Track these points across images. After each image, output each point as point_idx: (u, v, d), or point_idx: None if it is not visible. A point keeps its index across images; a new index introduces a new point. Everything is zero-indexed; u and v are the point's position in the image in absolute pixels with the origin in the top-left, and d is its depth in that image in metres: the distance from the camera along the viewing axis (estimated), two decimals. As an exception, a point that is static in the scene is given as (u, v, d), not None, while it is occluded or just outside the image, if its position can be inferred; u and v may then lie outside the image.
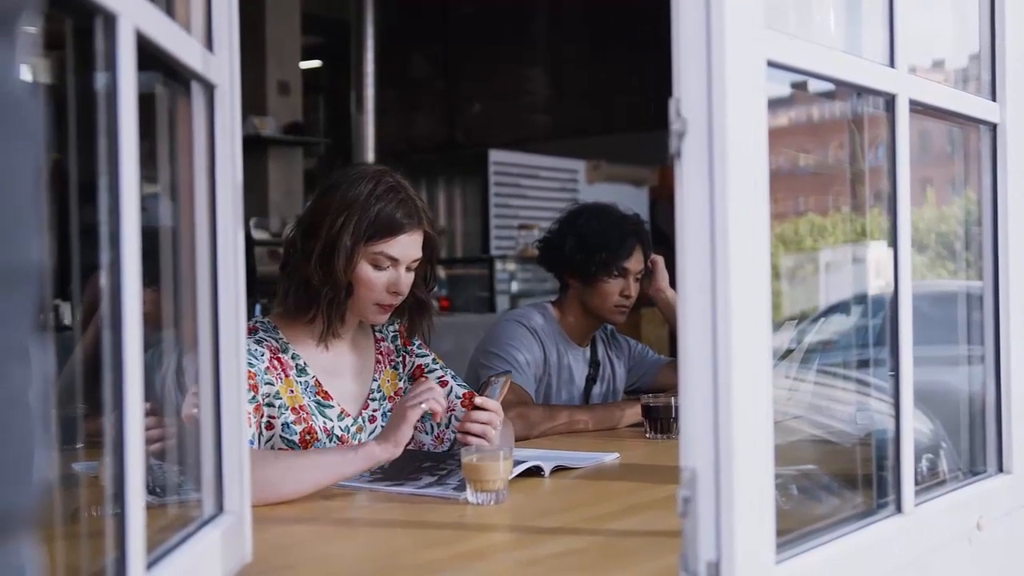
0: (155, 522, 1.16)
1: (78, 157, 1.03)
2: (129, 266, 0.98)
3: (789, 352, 1.99)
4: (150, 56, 1.08)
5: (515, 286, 7.49)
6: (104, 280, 0.98)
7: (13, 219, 0.52)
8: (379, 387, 2.32)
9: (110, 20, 0.97)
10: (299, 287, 2.16)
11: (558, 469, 2.13)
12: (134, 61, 0.99)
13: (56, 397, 0.74)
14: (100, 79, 0.99)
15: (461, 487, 1.87)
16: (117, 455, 0.98)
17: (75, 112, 1.05)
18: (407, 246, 2.17)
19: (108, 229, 0.97)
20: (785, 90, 1.41)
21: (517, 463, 1.99)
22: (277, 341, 2.18)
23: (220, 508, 1.34)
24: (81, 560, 1.13)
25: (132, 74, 0.99)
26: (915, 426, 1.52)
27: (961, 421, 1.86)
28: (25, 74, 0.56)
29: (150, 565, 1.06)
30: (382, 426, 2.26)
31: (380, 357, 2.35)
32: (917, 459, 1.55)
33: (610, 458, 2.29)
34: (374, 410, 2.29)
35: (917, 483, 1.50)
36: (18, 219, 0.52)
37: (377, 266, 2.16)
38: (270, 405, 2.10)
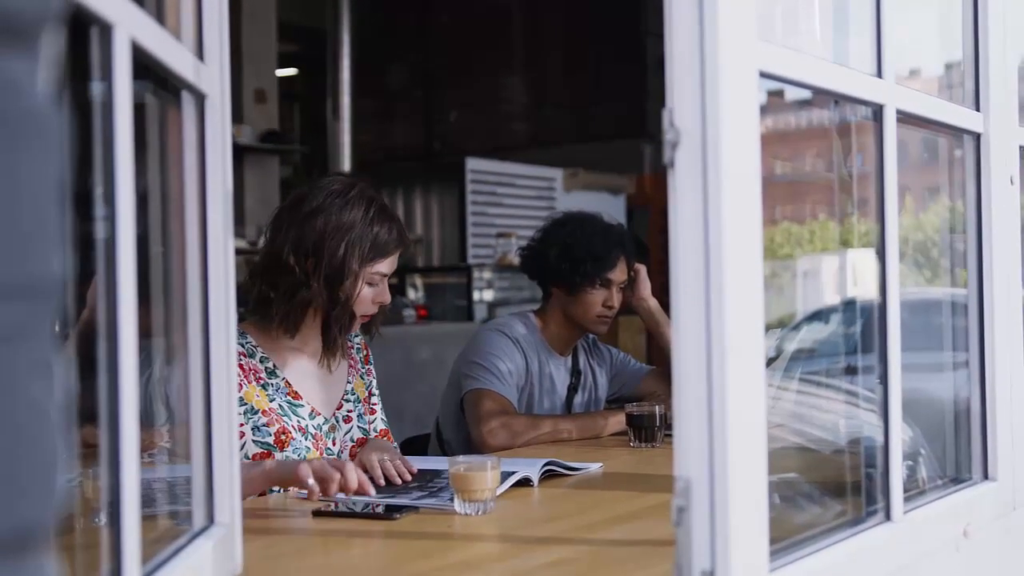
0: (145, 534, 1.15)
1: (71, 166, 1.02)
2: (125, 276, 0.97)
3: (771, 360, 2.00)
4: (141, 65, 1.07)
5: (493, 295, 7.48)
6: (99, 290, 0.97)
7: (37, 232, 0.52)
8: (352, 389, 2.38)
9: (106, 30, 0.96)
10: (298, 307, 2.20)
11: (547, 475, 2.13)
12: (130, 70, 0.99)
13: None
14: (95, 88, 0.98)
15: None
16: (113, 467, 0.97)
17: (68, 121, 1.04)
18: (395, 261, 2.28)
19: (104, 238, 0.96)
20: (761, 98, 1.41)
21: (505, 474, 1.99)
22: (243, 346, 2.21)
23: (211, 520, 1.33)
24: (74, 572, 1.12)
25: (128, 83, 0.99)
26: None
27: (946, 429, 1.87)
28: (47, 86, 0.56)
29: (144, 578, 1.05)
30: (358, 426, 2.35)
31: (352, 362, 2.42)
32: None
33: (595, 468, 2.29)
34: (348, 410, 2.35)
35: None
36: (42, 232, 0.52)
37: (371, 283, 2.24)
38: None
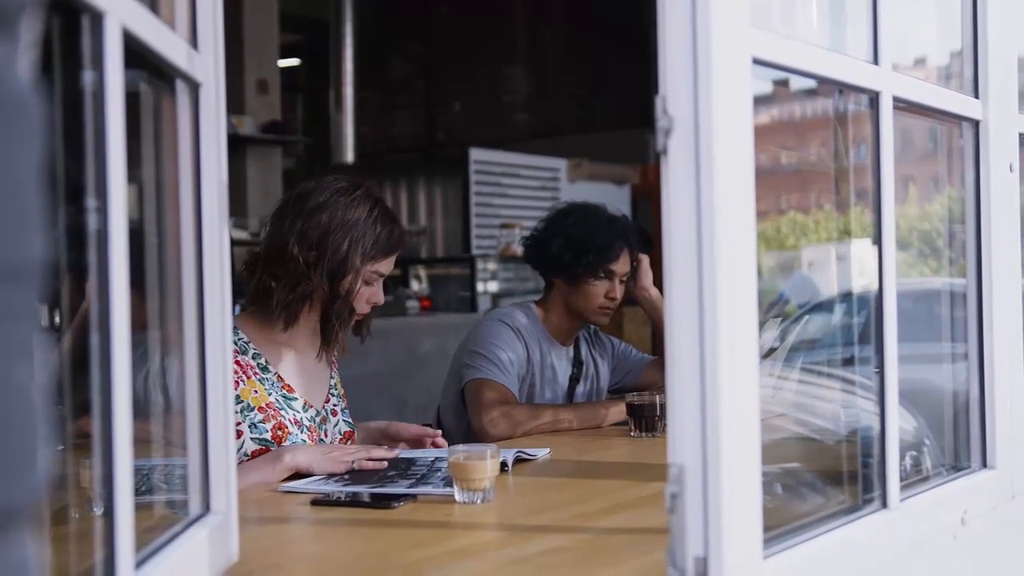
0: (140, 522, 1.15)
1: (62, 156, 1.02)
2: (117, 267, 0.97)
3: (772, 350, 2.00)
4: (134, 54, 1.07)
5: (497, 285, 7.48)
6: (92, 281, 0.97)
7: (19, 216, 0.52)
8: (335, 384, 2.42)
9: (97, 18, 0.96)
10: (298, 300, 2.22)
11: (518, 461, 2.17)
12: (121, 59, 0.99)
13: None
14: (86, 77, 0.98)
15: (449, 482, 1.86)
16: (106, 456, 0.97)
17: (60, 111, 1.04)
18: (392, 263, 2.31)
19: (96, 229, 0.96)
20: (766, 88, 1.41)
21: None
22: (236, 343, 2.22)
23: (207, 508, 1.33)
24: (68, 560, 1.12)
25: (119, 72, 0.99)
26: (898, 423, 1.53)
27: (945, 417, 1.87)
28: (27, 72, 0.56)
29: (138, 564, 1.05)
30: (344, 420, 2.39)
31: (333, 359, 2.44)
32: (901, 456, 1.55)
33: (543, 453, 2.31)
34: (334, 405, 2.39)
35: (901, 479, 1.51)
36: (23, 216, 0.52)
37: (368, 282, 2.26)
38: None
